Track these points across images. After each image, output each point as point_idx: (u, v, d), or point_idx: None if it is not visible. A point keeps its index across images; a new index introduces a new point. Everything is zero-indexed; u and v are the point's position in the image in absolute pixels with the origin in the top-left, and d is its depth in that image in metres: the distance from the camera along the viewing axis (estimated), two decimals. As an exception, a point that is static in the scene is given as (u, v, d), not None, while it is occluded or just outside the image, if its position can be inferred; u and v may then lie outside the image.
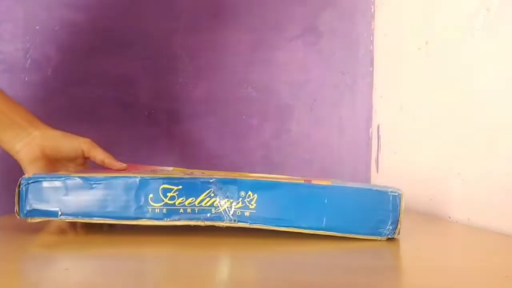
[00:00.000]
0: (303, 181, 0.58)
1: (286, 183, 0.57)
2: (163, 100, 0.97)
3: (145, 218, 0.57)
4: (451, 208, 0.77)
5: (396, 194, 0.58)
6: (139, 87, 0.96)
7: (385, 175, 0.98)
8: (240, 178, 0.58)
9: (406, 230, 0.67)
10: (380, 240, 0.58)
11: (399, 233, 0.58)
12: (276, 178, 0.61)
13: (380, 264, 0.51)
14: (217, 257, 0.52)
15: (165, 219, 0.57)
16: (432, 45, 0.83)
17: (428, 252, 0.56)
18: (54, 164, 0.71)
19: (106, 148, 0.74)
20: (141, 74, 0.96)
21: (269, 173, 0.99)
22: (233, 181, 0.57)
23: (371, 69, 1.03)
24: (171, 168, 0.73)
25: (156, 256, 0.53)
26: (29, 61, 0.91)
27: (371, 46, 1.03)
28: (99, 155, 0.73)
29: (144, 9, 0.96)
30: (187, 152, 0.99)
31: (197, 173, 0.69)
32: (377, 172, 1.00)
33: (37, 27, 0.92)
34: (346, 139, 1.03)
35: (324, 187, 0.57)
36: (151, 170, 0.67)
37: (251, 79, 0.99)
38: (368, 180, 1.03)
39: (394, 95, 0.95)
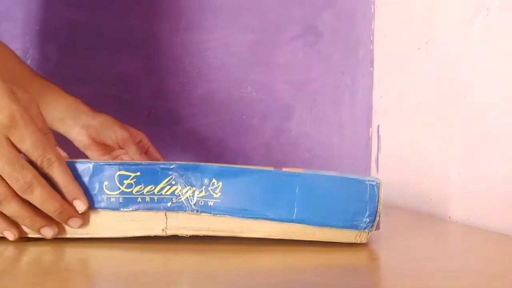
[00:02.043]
0: (272, 169, 0.53)
1: (254, 170, 0.53)
2: (163, 100, 0.97)
3: (99, 208, 0.52)
4: (451, 208, 0.77)
5: (374, 183, 0.52)
6: (139, 86, 0.96)
7: (385, 175, 0.98)
8: (204, 164, 0.52)
9: (406, 230, 0.67)
10: (357, 233, 0.53)
11: (378, 227, 0.53)
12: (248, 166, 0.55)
13: (379, 264, 0.51)
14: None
15: (122, 209, 0.52)
16: (432, 45, 0.83)
17: (428, 252, 0.56)
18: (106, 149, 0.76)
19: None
20: (141, 74, 0.96)
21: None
22: (195, 167, 0.52)
23: (371, 69, 1.03)
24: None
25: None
26: (29, 61, 0.91)
27: (371, 46, 1.03)
28: (130, 153, 0.75)
29: (144, 9, 0.96)
30: (188, 152, 0.98)
31: None
32: (377, 172, 1.00)
33: (37, 27, 0.92)
34: (346, 139, 1.03)
35: (295, 175, 0.52)
36: None
37: (251, 79, 0.99)
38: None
39: (394, 95, 0.95)
